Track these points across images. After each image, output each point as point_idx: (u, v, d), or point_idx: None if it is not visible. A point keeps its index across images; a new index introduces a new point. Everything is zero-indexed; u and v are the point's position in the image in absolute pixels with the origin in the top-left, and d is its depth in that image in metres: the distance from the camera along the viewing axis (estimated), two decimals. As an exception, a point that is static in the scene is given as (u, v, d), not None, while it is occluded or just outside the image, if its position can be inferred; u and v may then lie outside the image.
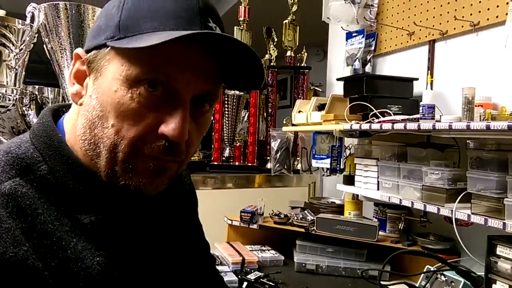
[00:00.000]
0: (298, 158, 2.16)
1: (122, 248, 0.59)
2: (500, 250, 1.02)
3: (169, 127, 0.54)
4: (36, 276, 0.49)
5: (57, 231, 0.53)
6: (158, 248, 0.66)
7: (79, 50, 0.58)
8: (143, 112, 0.54)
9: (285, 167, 2.02)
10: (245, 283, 1.29)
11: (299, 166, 2.11)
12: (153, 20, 0.53)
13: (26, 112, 2.51)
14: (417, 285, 1.29)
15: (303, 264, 1.50)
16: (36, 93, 2.46)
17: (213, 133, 2.11)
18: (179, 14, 0.54)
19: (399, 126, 1.24)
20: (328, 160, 1.63)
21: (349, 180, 1.61)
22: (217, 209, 1.80)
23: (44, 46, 2.31)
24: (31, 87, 2.43)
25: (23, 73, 2.42)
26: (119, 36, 0.53)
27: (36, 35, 2.37)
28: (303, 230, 1.59)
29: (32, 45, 2.40)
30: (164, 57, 0.53)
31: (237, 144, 2.21)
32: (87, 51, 0.58)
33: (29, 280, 0.49)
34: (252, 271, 1.41)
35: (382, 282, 1.38)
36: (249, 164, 2.13)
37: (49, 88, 2.48)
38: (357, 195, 1.64)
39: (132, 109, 0.53)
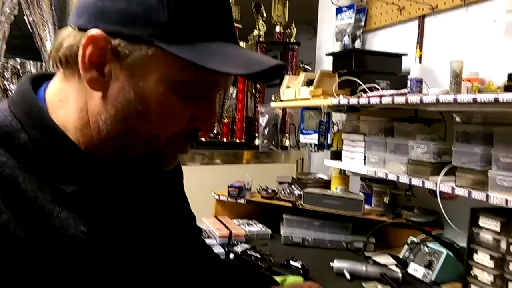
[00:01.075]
0: (286, 135, 2.16)
1: (106, 218, 0.58)
2: (483, 221, 1.04)
3: (205, 122, 0.58)
4: (19, 244, 0.49)
5: (39, 200, 0.52)
6: (143, 219, 0.65)
7: (96, 32, 0.52)
8: (184, 111, 0.56)
9: (273, 143, 2.02)
10: (231, 255, 1.30)
11: (287, 143, 2.12)
12: (203, 25, 0.54)
13: (8, 87, 2.44)
14: (400, 256, 1.32)
15: (290, 237, 1.52)
16: (18, 67, 2.39)
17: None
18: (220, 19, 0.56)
19: (386, 100, 1.24)
20: (316, 136, 1.63)
21: (336, 156, 1.62)
22: (205, 185, 1.80)
23: (26, 18, 2.23)
24: (12, 60, 2.36)
25: (4, 46, 2.35)
26: (169, 38, 0.52)
27: (17, 7, 2.29)
28: (290, 204, 1.60)
29: (13, 17, 2.32)
30: None
31: (225, 121, 2.20)
32: (109, 34, 0.52)
33: (12, 248, 0.48)
34: (239, 243, 1.42)
35: (366, 254, 1.41)
36: (237, 141, 2.13)
37: (32, 62, 2.41)
38: (344, 170, 1.66)
39: (176, 108, 0.55)
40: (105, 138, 0.56)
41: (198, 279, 0.83)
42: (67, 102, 0.58)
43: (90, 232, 0.55)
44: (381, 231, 1.49)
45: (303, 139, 1.69)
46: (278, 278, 1.10)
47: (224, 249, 1.35)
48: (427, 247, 1.27)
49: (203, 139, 2.09)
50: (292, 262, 1.24)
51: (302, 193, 1.58)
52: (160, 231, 0.69)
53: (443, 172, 1.12)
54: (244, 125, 2.16)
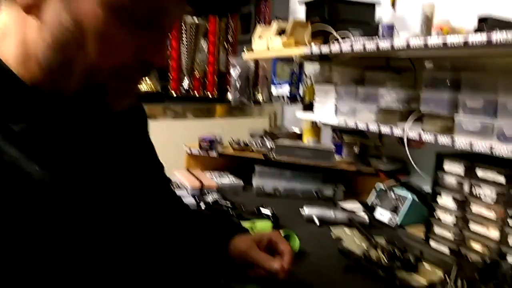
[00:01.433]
0: (259, 88, 2.13)
1: (63, 160, 0.55)
2: (447, 166, 1.07)
3: (154, 55, 0.54)
4: None
5: None
6: (106, 165, 0.63)
7: None
8: (127, 40, 0.51)
9: (246, 97, 1.99)
10: (202, 205, 1.30)
11: (260, 97, 2.09)
12: None
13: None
14: (368, 202, 1.36)
15: (262, 188, 1.53)
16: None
17: (169, 61, 2.02)
18: None
19: (358, 47, 1.22)
20: (288, 86, 1.61)
21: (308, 108, 1.62)
22: (177, 140, 1.77)
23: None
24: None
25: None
26: None
27: None
28: (262, 156, 1.60)
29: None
30: None
31: (197, 75, 2.14)
32: None
33: None
34: (210, 192, 1.42)
35: (335, 201, 1.44)
36: (209, 95, 2.08)
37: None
38: (316, 122, 1.66)
39: (117, 37, 0.50)
40: (45, 70, 0.52)
41: (166, 226, 0.83)
42: (8, 35, 0.53)
43: (46, 174, 0.52)
44: (350, 180, 1.52)
45: (275, 91, 1.67)
46: (247, 224, 1.11)
47: (195, 200, 1.35)
48: (394, 193, 1.30)
49: (174, 94, 2.04)
50: (262, 210, 1.25)
51: (274, 145, 1.58)
52: (125, 178, 0.67)
53: (411, 118, 1.13)
54: (216, 79, 2.11)
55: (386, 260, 0.94)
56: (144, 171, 0.74)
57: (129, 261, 0.62)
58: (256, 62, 2.03)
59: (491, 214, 0.97)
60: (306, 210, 1.28)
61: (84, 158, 0.59)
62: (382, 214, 1.29)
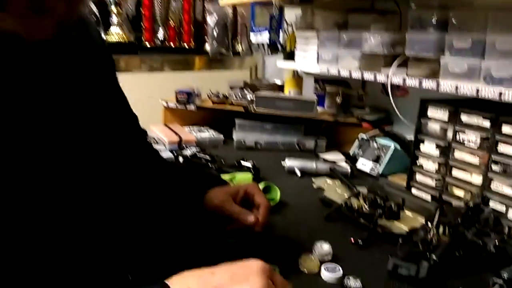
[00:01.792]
0: (238, 39, 2.03)
1: (15, 103, 0.49)
2: (431, 111, 1.04)
3: None
4: None
5: None
6: (68, 110, 0.57)
7: None
8: None
9: (224, 47, 1.89)
10: (181, 159, 1.25)
11: (239, 47, 1.99)
12: None
13: None
14: (350, 153, 1.33)
15: (243, 141, 1.49)
16: None
17: (141, 9, 1.88)
18: None
19: (341, -14, 1.14)
20: (267, 33, 1.52)
21: (290, 56, 1.54)
22: (153, 93, 1.69)
23: None
24: None
25: None
26: None
27: None
28: (242, 109, 1.55)
29: None
30: None
31: (172, 24, 2.01)
32: None
33: None
34: (189, 147, 1.37)
35: (318, 153, 1.41)
36: (186, 46, 1.98)
37: None
38: (297, 72, 1.59)
39: None
40: None
41: (142, 179, 0.78)
42: None
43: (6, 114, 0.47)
44: (332, 131, 1.49)
45: (254, 38, 1.58)
46: (227, 176, 1.07)
47: (173, 154, 1.30)
48: (376, 142, 1.28)
49: (148, 45, 1.92)
50: (243, 162, 1.21)
51: (254, 97, 1.51)
52: (93, 127, 0.61)
53: (395, 63, 1.08)
54: (193, 28, 1.99)
55: (367, 208, 0.92)
56: (115, 121, 0.68)
57: (99, 209, 0.58)
58: (234, 8, 1.92)
59: (474, 160, 0.95)
60: (288, 162, 1.25)
61: (42, 102, 0.53)
62: (364, 164, 1.26)
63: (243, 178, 1.08)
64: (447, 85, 0.94)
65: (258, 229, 0.74)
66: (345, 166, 1.25)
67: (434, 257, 0.68)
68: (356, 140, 1.34)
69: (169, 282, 0.47)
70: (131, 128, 0.78)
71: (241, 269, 0.49)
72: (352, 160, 1.30)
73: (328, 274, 0.68)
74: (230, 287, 0.47)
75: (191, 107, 1.59)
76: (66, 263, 0.52)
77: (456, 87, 0.92)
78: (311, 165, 1.23)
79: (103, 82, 0.68)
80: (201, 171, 0.93)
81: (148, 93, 1.69)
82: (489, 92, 0.85)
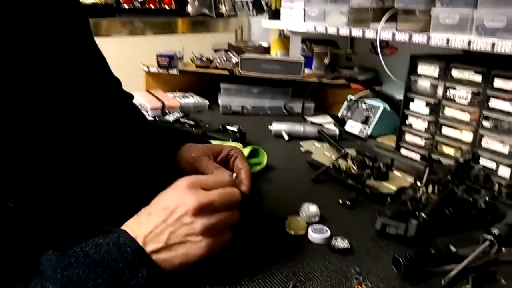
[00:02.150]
0: (221, -1, 1.94)
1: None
2: (421, 68, 1.00)
3: None
4: None
5: None
6: (42, 68, 0.53)
7: None
8: None
9: (207, 7, 1.81)
10: (163, 125, 1.21)
11: (223, 8, 1.91)
12: None
13: None
14: (339, 115, 1.30)
15: (228, 106, 1.44)
16: None
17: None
18: None
19: None
20: (251, -10, 1.45)
21: (275, 15, 1.47)
22: (133, 58, 1.62)
23: None
24: None
25: None
26: None
27: None
28: (227, 72, 1.49)
29: None
30: None
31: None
32: None
33: None
34: (172, 113, 1.32)
35: (307, 117, 1.38)
36: (166, 7, 1.88)
37: None
38: (283, 32, 1.53)
39: None
40: None
41: (125, 141, 0.74)
42: None
43: None
44: (321, 93, 1.45)
45: (237, -5, 1.50)
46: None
47: (155, 120, 1.26)
48: (365, 103, 1.24)
49: (126, 6, 1.83)
50: (228, 127, 1.17)
51: (239, 60, 1.45)
52: (73, 87, 0.57)
53: (384, 17, 1.03)
54: (174, -11, 1.90)
55: (355, 169, 0.89)
56: (94, 80, 0.64)
57: (80, 168, 0.55)
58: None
59: (465, 117, 0.92)
60: (274, 126, 1.21)
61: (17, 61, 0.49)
62: (353, 126, 1.23)
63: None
64: (438, 38, 0.90)
65: (245, 190, 0.70)
66: (333, 129, 1.21)
67: (423, 215, 0.66)
68: (345, 101, 1.30)
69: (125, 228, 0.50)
70: (113, 90, 0.74)
71: (170, 196, 0.51)
72: (340, 122, 1.27)
73: (315, 235, 0.66)
74: (170, 219, 0.49)
75: (174, 71, 1.52)
76: (45, 215, 0.50)
77: (447, 40, 0.87)
78: (299, 128, 1.20)
79: (78, 41, 0.63)
80: (175, 128, 0.88)
81: (129, 58, 1.62)
82: (481, 43, 0.81)
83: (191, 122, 1.18)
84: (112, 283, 0.45)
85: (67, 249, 0.47)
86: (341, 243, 0.64)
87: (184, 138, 0.79)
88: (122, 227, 0.50)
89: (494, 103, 0.85)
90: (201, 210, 0.49)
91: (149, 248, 0.48)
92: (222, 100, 1.45)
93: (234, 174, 0.72)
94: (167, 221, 0.49)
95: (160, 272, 0.49)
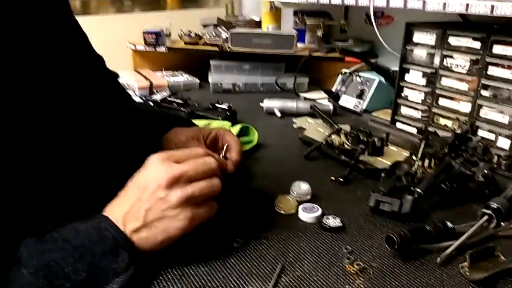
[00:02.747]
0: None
1: None
2: (417, 36, 0.95)
3: None
4: None
5: None
6: (21, 47, 0.49)
7: None
8: None
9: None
10: (150, 104, 1.16)
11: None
12: None
13: None
14: (333, 89, 1.25)
15: (219, 84, 1.40)
16: None
17: None
18: None
19: None
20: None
21: (265, -13, 1.41)
22: (120, 36, 1.55)
23: None
24: None
25: None
26: None
27: None
28: (217, 48, 1.43)
29: None
30: None
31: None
32: None
33: None
34: (160, 92, 1.28)
35: (300, 93, 1.33)
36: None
37: None
38: (274, 3, 1.47)
39: None
40: None
41: (110, 121, 0.70)
42: None
43: None
44: (314, 68, 1.40)
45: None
46: (201, 122, 0.99)
47: (143, 100, 1.21)
48: (359, 76, 1.19)
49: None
50: (218, 105, 1.13)
51: (229, 35, 1.40)
52: (53, 64, 0.54)
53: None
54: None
55: (349, 145, 0.86)
56: (75, 57, 0.60)
57: (65, 151, 0.53)
58: None
59: (463, 86, 0.88)
60: (266, 103, 1.17)
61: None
62: (347, 101, 1.19)
63: (220, 125, 1.00)
64: (434, 3, 0.84)
65: (230, 168, 0.66)
66: (327, 104, 1.17)
67: (418, 190, 0.62)
68: (339, 75, 1.25)
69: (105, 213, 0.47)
70: (95, 68, 0.70)
71: (144, 174, 0.49)
72: (335, 97, 1.22)
73: (305, 214, 0.63)
74: (144, 195, 0.47)
75: (161, 48, 1.47)
76: (27, 201, 0.48)
77: (444, 4, 0.82)
78: (292, 104, 1.15)
79: (55, 17, 0.58)
80: (160, 112, 0.85)
81: (117, 37, 1.55)
82: (480, 7, 0.76)
83: (179, 101, 1.13)
84: (92, 267, 0.43)
85: (45, 235, 0.45)
86: (332, 221, 0.61)
87: (172, 121, 0.75)
88: (103, 212, 0.48)
89: (493, 70, 0.81)
90: (174, 182, 0.47)
91: (128, 229, 0.46)
92: (212, 77, 1.40)
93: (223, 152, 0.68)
94: (142, 198, 0.47)
95: (142, 255, 0.47)
